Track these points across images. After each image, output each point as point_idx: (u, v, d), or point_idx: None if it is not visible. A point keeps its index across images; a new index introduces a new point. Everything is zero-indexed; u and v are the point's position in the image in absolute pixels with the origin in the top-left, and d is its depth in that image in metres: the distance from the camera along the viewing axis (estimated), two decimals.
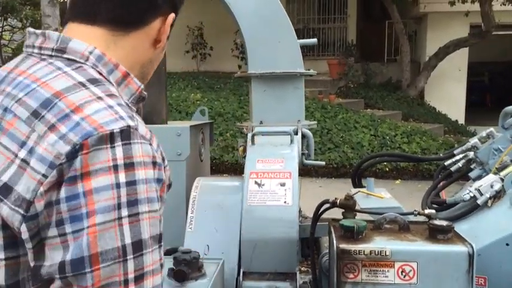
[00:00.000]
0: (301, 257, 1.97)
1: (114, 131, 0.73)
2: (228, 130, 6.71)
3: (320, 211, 1.64)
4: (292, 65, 2.15)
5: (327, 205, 1.62)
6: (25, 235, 0.73)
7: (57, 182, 0.71)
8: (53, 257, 0.72)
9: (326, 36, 12.41)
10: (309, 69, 2.23)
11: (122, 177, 0.73)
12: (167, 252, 1.66)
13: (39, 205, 0.72)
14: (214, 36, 11.12)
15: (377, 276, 1.34)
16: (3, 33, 10.11)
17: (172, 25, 0.95)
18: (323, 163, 2.19)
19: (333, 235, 1.44)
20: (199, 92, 8.49)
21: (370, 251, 1.34)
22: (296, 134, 1.99)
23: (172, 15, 0.94)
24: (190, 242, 1.77)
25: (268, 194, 1.72)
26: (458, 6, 9.26)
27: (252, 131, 2.03)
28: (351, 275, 1.35)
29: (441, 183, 2.20)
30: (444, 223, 1.41)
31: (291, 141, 1.91)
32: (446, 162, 2.23)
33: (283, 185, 1.73)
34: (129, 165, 0.74)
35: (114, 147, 0.73)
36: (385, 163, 5.88)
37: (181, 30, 10.80)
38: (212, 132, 2.57)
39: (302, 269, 1.97)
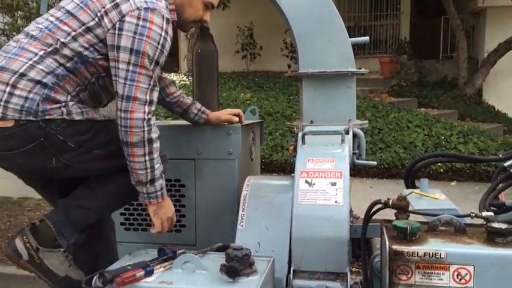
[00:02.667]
0: (352, 257, 1.95)
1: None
2: (278, 129, 6.72)
3: (372, 211, 1.62)
4: (344, 64, 2.14)
5: (379, 205, 1.60)
6: None
7: None
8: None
9: (378, 34, 12.15)
10: (360, 68, 2.20)
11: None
12: (219, 249, 1.70)
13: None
14: (264, 36, 11.17)
15: (431, 279, 1.31)
16: None
17: None
18: (375, 163, 2.16)
19: (385, 236, 1.42)
20: (248, 91, 8.57)
21: (424, 253, 1.31)
22: (347, 133, 1.97)
23: None
24: (241, 239, 1.80)
25: (319, 193, 1.72)
26: None
27: (303, 130, 2.04)
28: (404, 277, 1.33)
29: (500, 185, 2.12)
30: (503, 226, 1.36)
31: (342, 140, 1.90)
32: (506, 164, 2.13)
33: (334, 184, 1.73)
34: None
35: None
36: (439, 164, 5.69)
37: (232, 30, 10.94)
38: (262, 131, 2.60)
39: (353, 269, 1.96)
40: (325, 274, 1.66)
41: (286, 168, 5.95)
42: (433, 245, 1.34)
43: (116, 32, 1.62)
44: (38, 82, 1.61)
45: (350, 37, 2.18)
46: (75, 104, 1.69)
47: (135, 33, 1.62)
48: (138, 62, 1.62)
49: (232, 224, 1.92)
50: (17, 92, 1.60)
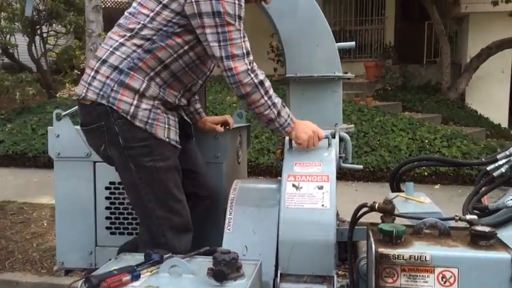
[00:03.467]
0: (338, 260, 1.97)
1: None
2: (264, 133, 6.73)
3: (358, 215, 1.64)
4: (330, 69, 2.16)
5: (365, 209, 1.61)
6: None
7: None
8: None
9: (363, 38, 12.28)
10: (346, 73, 2.23)
11: None
12: (206, 253, 1.70)
13: None
14: (250, 39, 11.10)
15: (416, 282, 1.33)
16: (48, 38, 10.52)
17: None
18: (361, 167, 2.18)
19: (372, 239, 1.44)
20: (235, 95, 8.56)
21: (410, 256, 1.33)
22: (334, 137, 1.99)
23: None
24: (228, 243, 1.80)
25: (306, 197, 1.73)
26: (501, 6, 8.96)
27: None
28: (390, 280, 1.35)
29: (483, 189, 2.15)
30: (486, 229, 1.39)
31: (329, 144, 1.91)
32: (489, 167, 2.18)
33: (320, 188, 1.74)
34: None
35: None
36: (423, 167, 5.76)
37: None
38: (249, 135, 2.61)
39: (340, 272, 1.97)
40: (312, 277, 1.67)
41: (273, 172, 5.96)
42: (418, 248, 1.36)
43: (194, 1, 1.68)
44: (116, 68, 1.75)
45: (336, 42, 2.21)
46: (147, 110, 1.75)
47: None
48: (224, 21, 1.68)
49: (220, 228, 1.93)
50: (98, 76, 1.78)
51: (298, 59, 2.17)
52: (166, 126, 1.81)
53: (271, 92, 1.80)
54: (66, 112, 2.21)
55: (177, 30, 1.74)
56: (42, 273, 3.28)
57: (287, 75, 2.20)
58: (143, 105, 1.76)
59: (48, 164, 6.44)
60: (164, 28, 1.74)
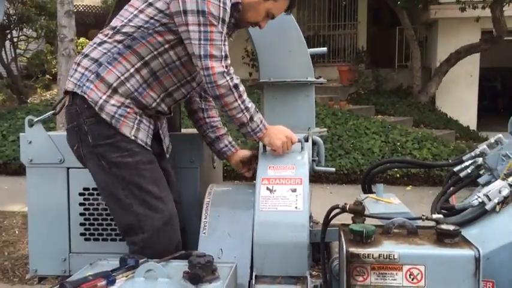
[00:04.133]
0: (312, 261, 2.01)
1: None
2: (239, 137, 6.75)
3: (330, 216, 1.68)
4: (303, 74, 2.21)
5: (337, 210, 1.66)
6: None
7: None
8: None
9: (336, 43, 12.47)
10: (319, 77, 2.28)
11: None
12: (182, 257, 1.71)
13: None
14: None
15: (385, 279, 1.38)
16: (18, 42, 10.32)
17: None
18: (333, 170, 2.23)
19: (343, 239, 1.48)
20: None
21: (379, 255, 1.38)
22: (307, 141, 2.03)
23: None
24: (204, 247, 1.82)
25: (280, 199, 1.77)
26: (469, 12, 9.25)
27: None
28: (360, 278, 1.39)
29: (451, 189, 2.23)
30: (451, 227, 1.45)
31: (302, 148, 1.95)
32: (456, 168, 2.26)
33: (294, 190, 1.78)
34: None
35: None
36: (395, 169, 5.90)
37: None
38: None
39: (314, 273, 2.01)
40: (286, 278, 1.70)
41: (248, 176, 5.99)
42: (387, 247, 1.41)
43: None
44: (95, 61, 1.81)
45: (310, 46, 2.26)
46: (115, 106, 1.77)
47: None
48: (207, 21, 1.71)
49: (195, 232, 1.94)
50: (79, 68, 1.84)
51: (272, 65, 2.21)
52: (135, 126, 1.81)
53: (245, 96, 1.83)
54: (39, 118, 2.19)
55: (158, 28, 1.77)
56: (15, 282, 3.23)
57: (261, 80, 2.23)
58: (112, 101, 1.78)
59: (19, 171, 6.33)
60: (145, 25, 1.77)
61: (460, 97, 10.29)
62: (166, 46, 1.80)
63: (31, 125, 2.17)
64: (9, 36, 9.89)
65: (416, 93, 10.10)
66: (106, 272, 1.52)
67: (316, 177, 6.01)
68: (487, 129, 9.41)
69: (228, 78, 1.77)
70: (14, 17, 9.61)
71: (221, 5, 1.73)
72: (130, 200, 1.80)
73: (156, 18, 1.77)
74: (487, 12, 8.92)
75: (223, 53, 1.77)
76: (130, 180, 1.79)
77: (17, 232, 4.19)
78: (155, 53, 1.80)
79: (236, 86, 1.80)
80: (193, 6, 1.71)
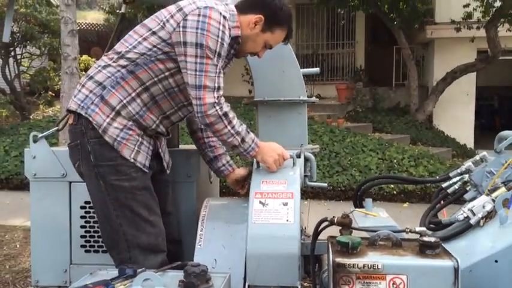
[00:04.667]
0: (304, 273, 2.08)
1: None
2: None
3: (319, 228, 1.77)
4: (296, 93, 2.32)
5: (326, 223, 1.74)
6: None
7: None
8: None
9: (335, 62, 12.65)
10: (316, 97, 2.39)
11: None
12: (178, 267, 1.79)
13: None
14: None
15: None
16: (22, 60, 10.49)
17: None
18: (325, 185, 2.32)
19: (330, 250, 1.56)
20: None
21: (364, 265, 1.46)
22: (299, 157, 2.13)
23: (254, 18, 1.97)
24: (200, 258, 1.90)
25: (272, 212, 1.85)
26: (464, 32, 9.44)
27: None
28: (346, 287, 1.47)
29: (439, 204, 2.32)
30: (432, 239, 1.53)
31: (294, 163, 2.04)
32: (444, 184, 2.35)
33: (285, 204, 1.86)
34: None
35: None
36: (392, 186, 5.98)
37: None
38: None
39: (305, 284, 2.08)
40: None
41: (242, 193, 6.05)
42: (372, 258, 1.49)
43: (181, 29, 1.83)
44: (99, 84, 1.92)
45: (308, 64, 2.39)
46: (118, 129, 1.88)
47: (197, 28, 1.81)
48: (204, 54, 1.82)
49: (191, 244, 2.02)
50: (83, 90, 1.94)
51: (266, 84, 2.31)
52: (136, 148, 1.93)
53: (234, 122, 1.93)
54: (43, 134, 2.28)
55: (160, 56, 1.88)
56: None
57: (256, 99, 2.34)
58: (115, 124, 1.89)
59: (20, 186, 6.40)
60: (148, 52, 1.88)
61: (457, 115, 10.41)
62: (167, 73, 1.92)
63: (35, 140, 2.27)
64: (12, 53, 10.06)
65: (414, 112, 10.21)
66: (105, 280, 1.59)
67: (314, 194, 6.09)
68: (484, 147, 9.45)
69: (217, 107, 1.87)
70: (18, 34, 9.79)
71: (219, 40, 1.84)
72: (120, 220, 1.92)
73: (158, 46, 1.88)
74: (482, 32, 9.10)
75: (216, 85, 1.87)
76: (123, 202, 1.91)
77: (18, 246, 4.24)
78: (155, 79, 1.91)
79: (226, 114, 1.89)
80: (193, 38, 1.82)
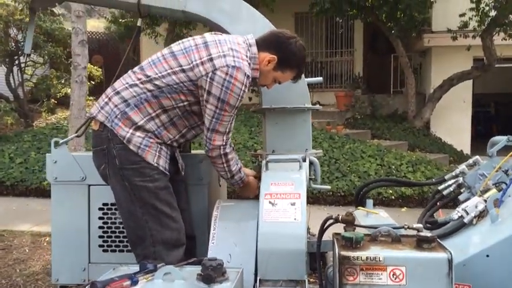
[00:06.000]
0: (310, 269, 2.22)
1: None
2: (240, 160, 6.98)
3: (325, 226, 1.91)
4: (301, 101, 2.47)
5: (331, 221, 1.89)
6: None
7: None
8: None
9: (333, 69, 12.82)
10: (315, 104, 2.54)
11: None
12: (195, 263, 1.92)
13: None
14: None
15: (372, 279, 1.60)
16: (25, 68, 10.63)
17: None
18: (329, 187, 2.47)
19: (336, 245, 1.71)
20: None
21: (367, 257, 1.60)
22: (304, 161, 2.28)
23: (268, 57, 2.15)
24: (213, 254, 2.03)
25: (281, 212, 2.00)
26: (460, 41, 9.63)
27: (266, 158, 2.33)
28: (351, 278, 1.61)
29: (435, 205, 2.47)
30: (428, 234, 1.68)
31: (300, 167, 2.19)
32: (440, 187, 2.50)
33: (293, 204, 2.01)
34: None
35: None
36: (390, 191, 6.12)
37: None
38: None
39: (311, 280, 2.21)
40: (287, 282, 1.91)
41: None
42: (374, 251, 1.63)
43: (209, 80, 2.01)
44: (125, 101, 2.09)
45: (307, 72, 2.55)
46: (141, 137, 2.07)
47: (222, 85, 2.01)
48: (223, 107, 2.05)
49: (204, 242, 2.16)
50: (110, 103, 2.12)
51: (273, 93, 2.46)
52: (157, 154, 2.11)
53: (231, 162, 2.22)
54: (64, 140, 2.43)
55: (184, 91, 2.08)
56: None
57: (263, 107, 2.49)
58: (138, 134, 2.08)
59: (25, 193, 6.51)
60: (175, 86, 2.07)
61: (454, 122, 10.58)
62: (186, 104, 2.12)
63: (56, 146, 2.42)
64: (16, 61, 10.21)
65: (411, 118, 10.37)
66: (130, 274, 1.73)
67: (314, 199, 6.22)
68: (481, 154, 9.47)
69: (222, 149, 2.15)
70: (23, 43, 9.94)
71: (239, 98, 2.06)
72: (146, 217, 2.09)
73: (185, 84, 2.06)
74: (478, 41, 9.29)
75: (227, 130, 2.13)
76: (148, 201, 2.08)
77: (27, 250, 4.34)
78: (175, 105, 2.11)
79: (226, 154, 2.17)
80: (217, 92, 2.02)
